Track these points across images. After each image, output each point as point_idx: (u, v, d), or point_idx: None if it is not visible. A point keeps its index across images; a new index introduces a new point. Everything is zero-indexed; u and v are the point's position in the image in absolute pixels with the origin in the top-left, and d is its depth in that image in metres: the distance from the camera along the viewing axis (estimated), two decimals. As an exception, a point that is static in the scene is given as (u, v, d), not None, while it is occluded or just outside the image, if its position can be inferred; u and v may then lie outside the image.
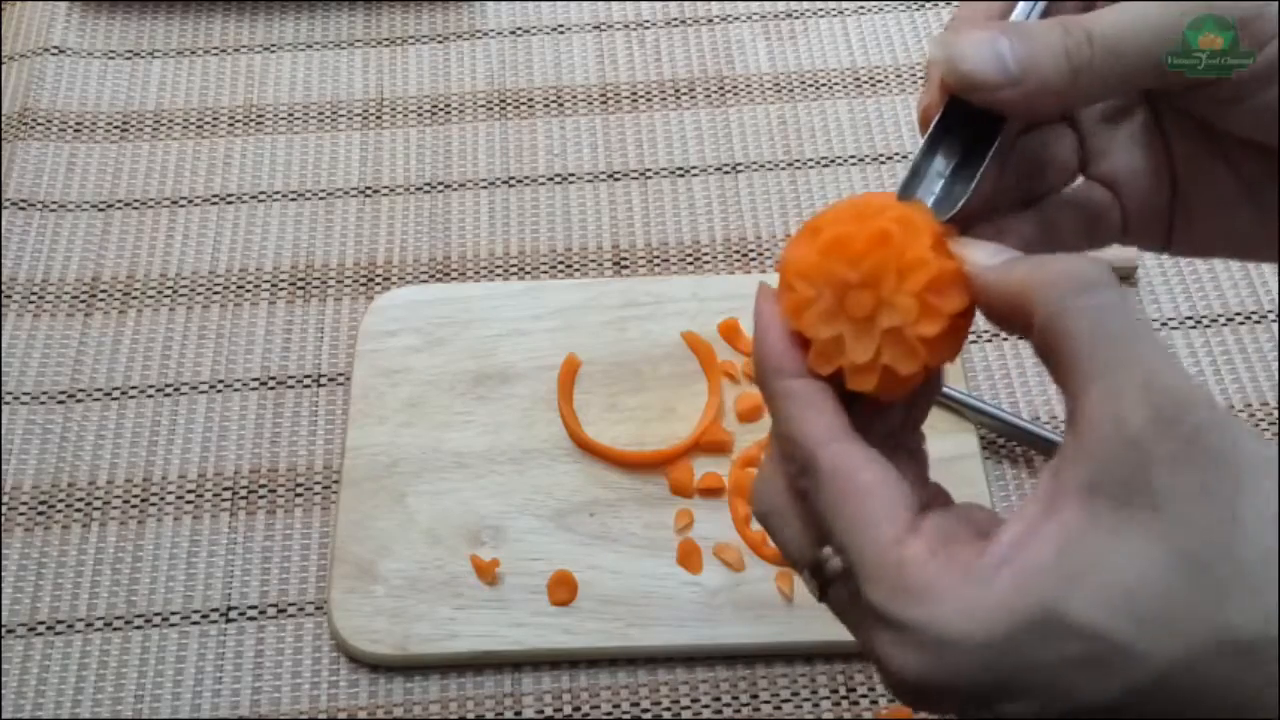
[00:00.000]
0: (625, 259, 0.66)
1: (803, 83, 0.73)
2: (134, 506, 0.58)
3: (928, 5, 0.77)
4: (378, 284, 0.65)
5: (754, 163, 0.70)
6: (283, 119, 0.72)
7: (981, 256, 0.32)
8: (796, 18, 0.76)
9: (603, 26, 0.76)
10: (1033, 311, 0.30)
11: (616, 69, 0.74)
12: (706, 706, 0.53)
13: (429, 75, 0.74)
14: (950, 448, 0.57)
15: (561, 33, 0.76)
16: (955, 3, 0.76)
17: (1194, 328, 0.63)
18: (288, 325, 0.64)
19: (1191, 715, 0.27)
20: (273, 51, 0.75)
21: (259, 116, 0.72)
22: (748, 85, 0.73)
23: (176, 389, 0.62)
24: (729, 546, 0.55)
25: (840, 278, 0.33)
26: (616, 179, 0.69)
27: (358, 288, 0.65)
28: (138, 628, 0.55)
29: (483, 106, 0.73)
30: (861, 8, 0.77)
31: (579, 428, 0.58)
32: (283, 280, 0.65)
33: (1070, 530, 0.28)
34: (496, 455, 0.58)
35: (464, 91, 0.73)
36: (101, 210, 0.68)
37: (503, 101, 0.73)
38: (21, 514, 0.58)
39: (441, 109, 0.72)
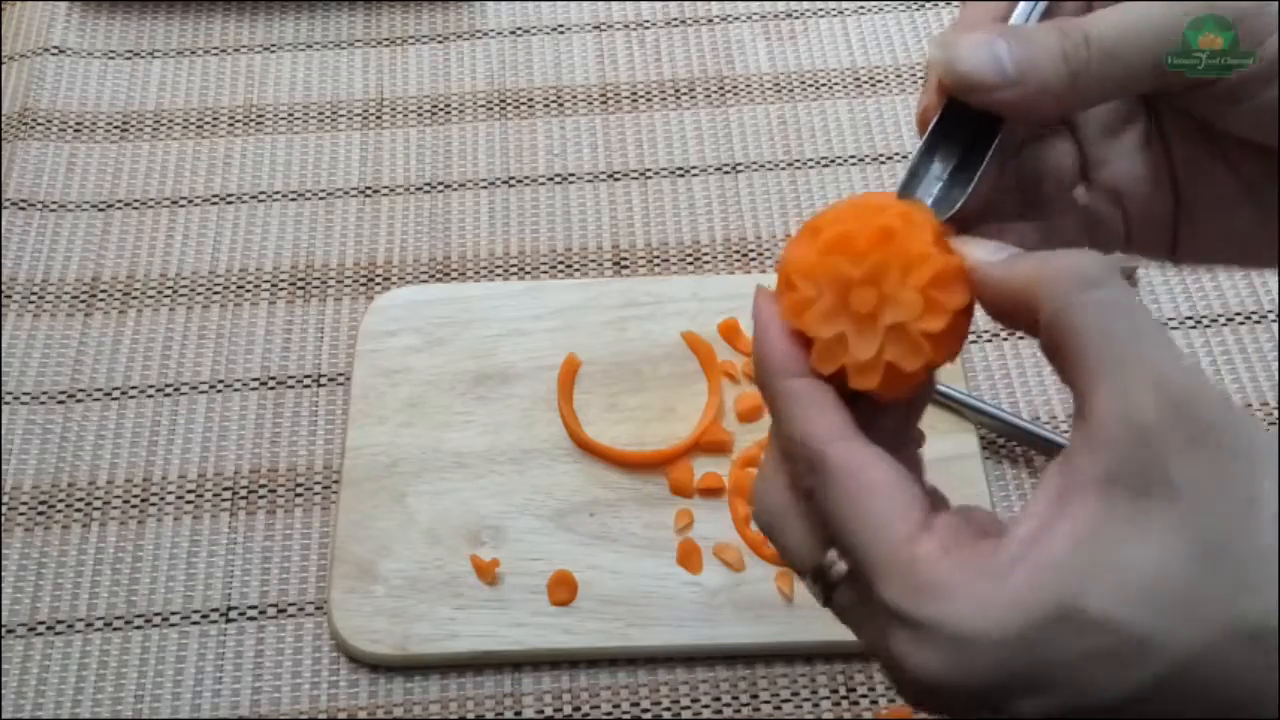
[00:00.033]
0: (625, 259, 0.66)
1: (803, 83, 0.73)
2: (134, 506, 0.58)
3: (928, 5, 0.77)
4: (378, 284, 0.65)
5: (754, 163, 0.70)
6: (283, 119, 0.72)
7: (984, 253, 0.32)
8: (796, 18, 0.76)
9: (603, 26, 0.76)
10: (1038, 307, 0.29)
11: (616, 69, 0.74)
12: (706, 706, 0.53)
13: (429, 75, 0.74)
14: (950, 448, 0.57)
15: (561, 33, 0.76)
16: (955, 3, 0.76)
17: (1194, 328, 0.63)
18: (288, 325, 0.64)
19: (1209, 703, 0.27)
20: (273, 51, 0.75)
21: (259, 116, 0.72)
22: (748, 85, 0.73)
23: (176, 389, 0.62)
24: (729, 546, 0.55)
25: (843, 275, 0.32)
26: (616, 179, 0.69)
27: (358, 288, 0.65)
28: (138, 628, 0.55)
29: (483, 106, 0.73)
30: (861, 8, 0.77)
31: (579, 428, 0.58)
32: (283, 280, 0.65)
33: (1086, 524, 0.27)
34: (496, 455, 0.58)
35: (464, 91, 0.73)
36: (101, 210, 0.68)
37: (503, 101, 0.73)
38: (21, 514, 0.58)
39: (441, 109, 0.72)
